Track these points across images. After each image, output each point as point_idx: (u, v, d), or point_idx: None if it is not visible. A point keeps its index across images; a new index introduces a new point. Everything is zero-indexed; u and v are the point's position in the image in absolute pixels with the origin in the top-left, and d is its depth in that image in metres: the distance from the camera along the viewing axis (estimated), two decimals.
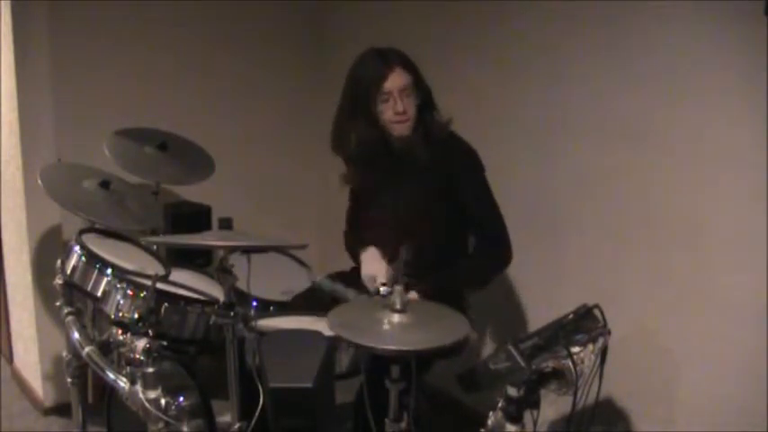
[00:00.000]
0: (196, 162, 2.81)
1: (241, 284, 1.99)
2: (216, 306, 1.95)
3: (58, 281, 2.19)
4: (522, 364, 1.57)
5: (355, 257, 2.34)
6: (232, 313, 1.87)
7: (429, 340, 1.64)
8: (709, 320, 2.07)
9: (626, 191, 2.28)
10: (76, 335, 2.09)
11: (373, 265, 2.21)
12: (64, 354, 2.34)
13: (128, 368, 1.77)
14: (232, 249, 1.89)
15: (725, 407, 2.04)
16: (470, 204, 2.18)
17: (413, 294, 2.05)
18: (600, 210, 2.37)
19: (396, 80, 2.09)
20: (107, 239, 2.31)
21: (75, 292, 2.19)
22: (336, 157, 2.33)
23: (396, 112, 2.10)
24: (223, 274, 1.88)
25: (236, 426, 1.92)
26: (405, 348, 1.63)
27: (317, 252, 2.39)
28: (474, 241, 2.27)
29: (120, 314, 1.90)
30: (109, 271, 2.04)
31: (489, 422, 1.66)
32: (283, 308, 2.28)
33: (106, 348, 1.98)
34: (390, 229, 2.23)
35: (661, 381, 2.21)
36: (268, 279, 2.31)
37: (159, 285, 1.97)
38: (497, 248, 2.20)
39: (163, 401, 1.73)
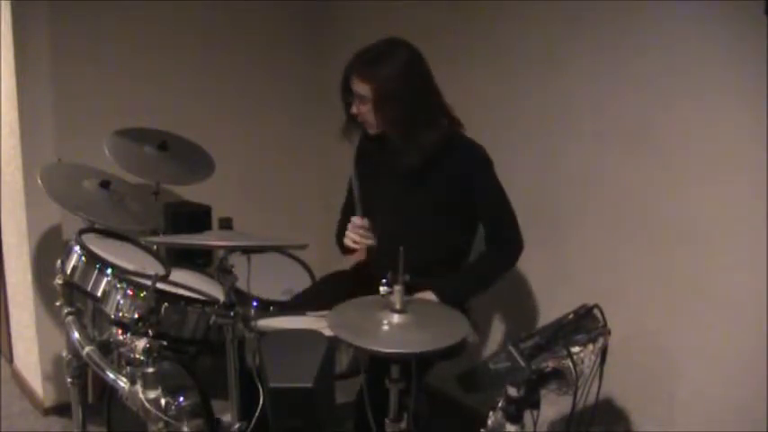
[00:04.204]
0: (196, 162, 2.81)
1: (241, 284, 1.99)
2: (216, 306, 1.95)
3: (58, 281, 2.19)
4: (522, 364, 1.57)
5: (341, 245, 2.30)
6: (232, 313, 1.87)
7: (429, 341, 1.64)
8: (710, 320, 2.07)
9: (626, 191, 2.28)
10: (76, 335, 2.09)
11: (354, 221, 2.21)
12: (64, 354, 2.34)
13: (128, 368, 1.77)
14: (232, 249, 1.89)
15: (725, 407, 2.04)
16: (481, 203, 2.16)
17: (429, 295, 2.06)
18: (600, 210, 2.37)
19: (354, 86, 2.10)
20: (107, 239, 2.31)
21: (75, 292, 2.19)
22: (336, 158, 2.34)
23: (352, 112, 2.14)
24: (223, 274, 1.88)
25: (236, 426, 1.92)
26: (403, 351, 1.63)
27: (318, 252, 2.39)
28: (486, 237, 2.23)
29: (120, 314, 1.89)
30: (109, 271, 2.04)
31: (489, 422, 1.66)
32: (283, 308, 2.28)
33: (106, 348, 1.98)
34: (390, 226, 2.24)
35: (661, 381, 2.21)
36: (268, 279, 2.31)
37: (159, 285, 1.97)
38: (509, 247, 2.20)
39: (163, 401, 1.73)
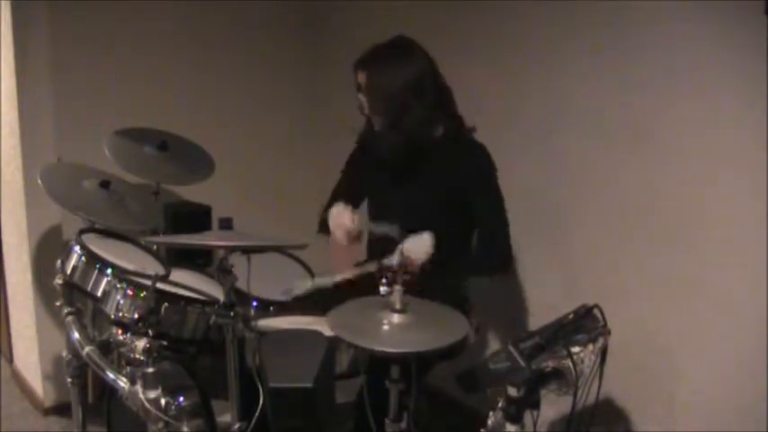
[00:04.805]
0: (196, 162, 2.81)
1: (241, 284, 1.99)
2: (216, 306, 1.95)
3: (58, 281, 2.19)
4: (522, 364, 1.57)
5: (323, 224, 2.30)
6: (232, 313, 1.87)
7: (429, 341, 1.64)
8: (710, 320, 2.07)
9: (626, 191, 2.28)
10: (76, 335, 2.08)
11: (341, 216, 2.18)
12: (64, 354, 2.34)
13: (128, 368, 1.77)
14: (232, 249, 1.89)
15: (725, 407, 2.04)
16: (477, 206, 2.16)
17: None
18: (600, 210, 2.37)
19: (358, 78, 2.17)
20: (107, 239, 2.31)
21: (75, 292, 2.18)
22: (336, 158, 2.34)
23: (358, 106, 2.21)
24: (223, 274, 1.88)
25: (236, 426, 1.92)
26: (403, 350, 1.63)
27: (318, 252, 2.38)
28: (475, 242, 2.23)
29: (120, 314, 1.89)
30: (109, 271, 2.04)
31: (489, 422, 1.66)
32: (283, 308, 2.27)
33: (106, 348, 1.97)
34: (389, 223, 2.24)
35: (661, 381, 2.21)
36: (268, 279, 2.31)
37: (159, 285, 1.97)
38: (495, 258, 2.18)
39: (163, 401, 1.73)
